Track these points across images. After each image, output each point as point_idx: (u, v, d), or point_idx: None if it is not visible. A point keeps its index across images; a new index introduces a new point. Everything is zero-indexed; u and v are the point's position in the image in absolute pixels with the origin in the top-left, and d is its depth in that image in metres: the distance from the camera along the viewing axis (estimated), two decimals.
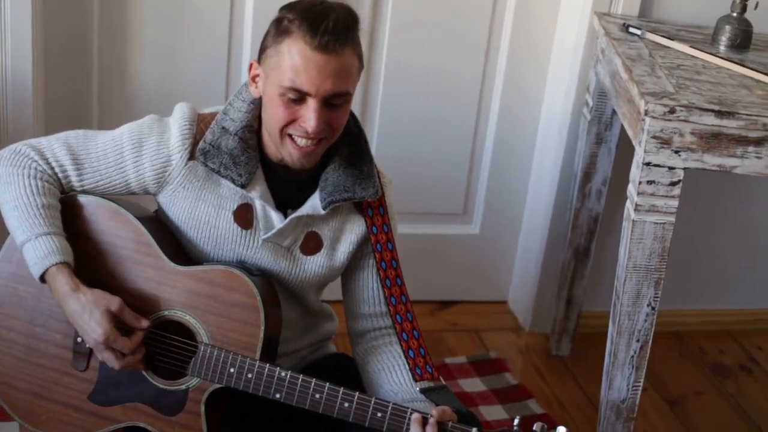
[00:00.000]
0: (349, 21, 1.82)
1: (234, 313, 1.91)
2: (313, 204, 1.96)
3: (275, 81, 1.83)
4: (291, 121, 1.85)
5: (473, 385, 2.88)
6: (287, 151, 1.89)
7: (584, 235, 2.95)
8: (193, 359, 1.93)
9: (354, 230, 2.03)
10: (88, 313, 1.85)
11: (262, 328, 1.90)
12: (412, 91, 3.01)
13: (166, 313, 1.95)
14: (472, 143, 3.13)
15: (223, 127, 1.93)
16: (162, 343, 1.96)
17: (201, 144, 1.93)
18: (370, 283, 2.06)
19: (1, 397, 2.01)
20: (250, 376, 1.89)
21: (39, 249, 1.88)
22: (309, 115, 1.82)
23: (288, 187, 1.97)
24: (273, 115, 1.87)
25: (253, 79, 1.90)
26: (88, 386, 1.97)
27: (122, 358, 1.88)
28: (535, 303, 3.18)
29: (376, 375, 2.04)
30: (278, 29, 1.82)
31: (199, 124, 1.95)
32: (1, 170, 1.95)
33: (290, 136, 1.87)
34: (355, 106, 2.91)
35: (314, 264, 2.02)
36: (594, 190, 2.90)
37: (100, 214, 1.98)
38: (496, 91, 3.07)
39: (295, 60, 1.80)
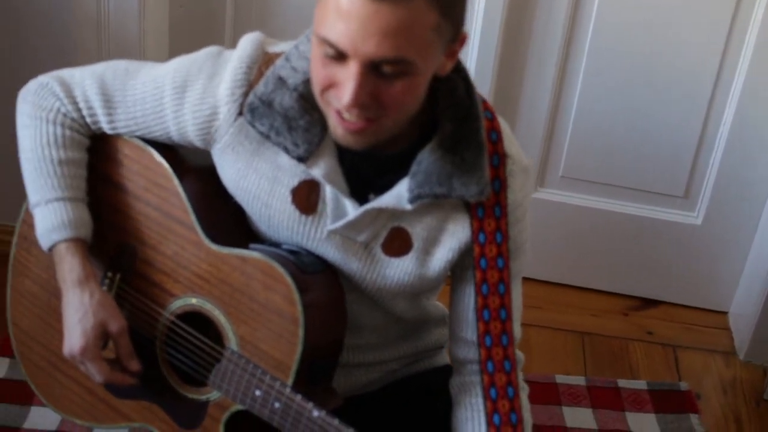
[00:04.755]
0: None
1: (270, 319, 1.57)
2: (399, 194, 1.55)
3: (315, 26, 1.41)
4: (329, 86, 1.43)
5: (643, 423, 2.44)
6: (331, 123, 1.47)
7: None
8: (215, 368, 1.61)
9: (457, 233, 1.60)
10: (81, 314, 1.61)
11: (299, 348, 1.55)
12: (628, 40, 2.57)
13: (193, 301, 1.65)
14: (706, 109, 2.65)
15: (279, 78, 1.53)
16: (185, 339, 1.67)
17: (250, 97, 1.54)
18: (467, 302, 1.65)
19: (22, 359, 1.84)
20: (276, 405, 1.56)
21: (48, 218, 1.65)
22: (347, 83, 1.39)
23: (369, 164, 1.55)
24: (312, 72, 1.46)
25: None
26: None
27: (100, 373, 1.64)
28: (758, 325, 2.69)
29: (459, 425, 1.68)
30: None
31: (261, 67, 1.56)
32: (22, 108, 1.70)
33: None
34: (551, 56, 2.54)
35: (398, 269, 1.61)
36: None
37: (139, 163, 1.69)
38: (747, 46, 2.55)
39: (337, 1, 1.36)
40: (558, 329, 2.72)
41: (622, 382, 2.56)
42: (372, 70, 1.38)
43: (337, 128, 1.46)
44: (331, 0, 1.37)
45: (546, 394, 2.48)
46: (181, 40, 2.49)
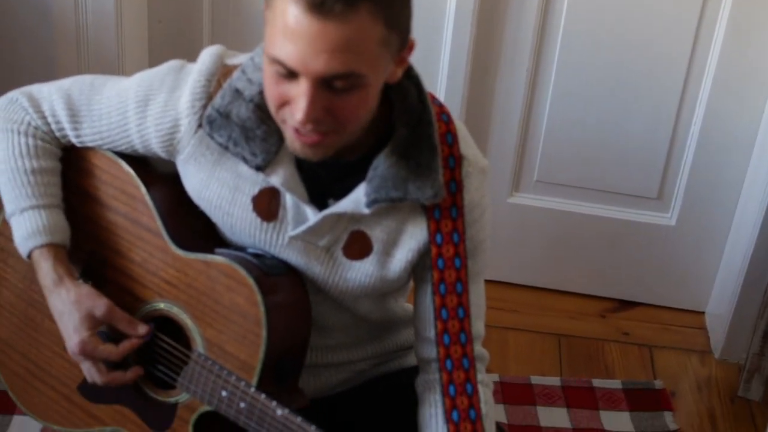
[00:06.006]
0: None
1: (233, 320, 1.61)
2: (357, 198, 1.58)
3: (266, 46, 1.45)
4: (283, 103, 1.46)
5: (617, 421, 2.46)
6: (288, 137, 1.51)
7: None
8: (183, 370, 1.65)
9: (415, 235, 1.63)
10: (67, 315, 1.66)
11: (263, 348, 1.59)
12: (600, 44, 2.60)
13: (161, 305, 1.68)
14: (676, 111, 2.66)
15: (236, 90, 1.57)
16: (154, 343, 1.71)
17: (208, 110, 1.58)
18: (427, 302, 1.68)
19: (1, 368, 1.87)
20: (242, 405, 1.60)
21: (23, 226, 1.68)
22: (299, 100, 1.42)
23: (328, 171, 1.59)
24: (265, 91, 1.50)
25: None
26: (78, 374, 1.76)
27: (106, 373, 1.68)
28: (732, 324, 2.71)
29: (422, 422, 1.71)
30: None
31: (220, 79, 1.60)
32: None
33: None
34: (522, 62, 2.58)
35: (359, 272, 1.65)
36: None
37: (108, 172, 1.73)
38: (714, 47, 2.57)
39: (284, 22, 1.39)
40: (535, 332, 2.75)
41: (597, 382, 2.58)
42: (323, 85, 1.41)
43: (294, 143, 1.49)
44: (278, 21, 1.39)
45: (521, 395, 2.51)
46: (160, 54, 2.53)
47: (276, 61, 1.41)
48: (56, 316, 1.67)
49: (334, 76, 1.40)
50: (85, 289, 1.66)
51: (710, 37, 2.54)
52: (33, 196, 1.68)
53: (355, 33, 1.38)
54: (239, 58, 1.63)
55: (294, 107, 1.43)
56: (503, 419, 2.42)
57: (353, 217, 1.62)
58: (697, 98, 2.63)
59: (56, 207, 1.70)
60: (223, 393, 1.61)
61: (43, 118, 1.70)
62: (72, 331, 1.65)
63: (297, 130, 1.47)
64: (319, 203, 1.61)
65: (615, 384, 2.59)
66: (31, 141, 1.70)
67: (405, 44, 1.48)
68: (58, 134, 1.71)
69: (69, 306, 1.65)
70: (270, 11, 1.42)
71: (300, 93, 1.42)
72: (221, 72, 1.61)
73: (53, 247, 1.68)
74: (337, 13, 1.35)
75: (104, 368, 1.67)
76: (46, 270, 1.67)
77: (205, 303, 1.63)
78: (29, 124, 1.70)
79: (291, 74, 1.42)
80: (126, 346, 1.66)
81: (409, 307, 1.88)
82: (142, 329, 1.67)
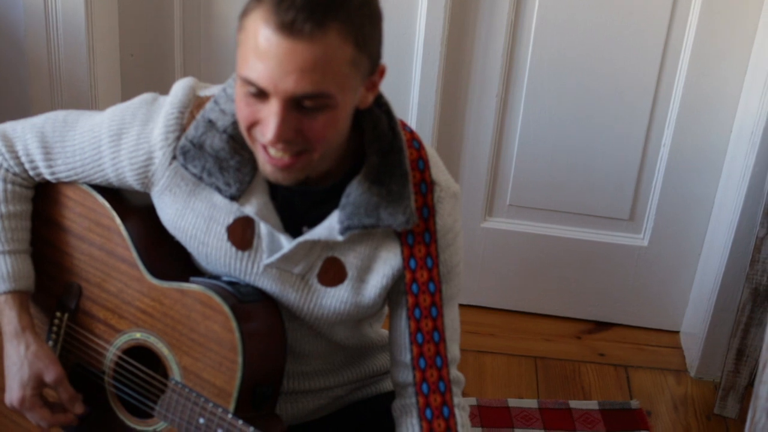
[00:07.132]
0: None
1: (210, 348, 1.63)
2: (330, 226, 1.60)
3: (237, 67, 1.47)
4: (254, 123, 1.48)
5: None
6: (260, 161, 1.52)
7: (767, 272, 2.42)
8: (160, 399, 1.66)
9: (389, 260, 1.65)
10: (17, 367, 1.68)
11: (239, 374, 1.60)
12: (568, 68, 2.62)
13: (138, 335, 1.69)
14: (645, 133, 2.69)
15: (209, 121, 1.59)
16: (131, 373, 1.72)
17: (182, 141, 1.60)
18: (402, 327, 1.69)
19: None
20: (219, 431, 1.60)
21: None
22: (269, 120, 1.44)
23: (301, 199, 1.61)
24: (237, 111, 1.51)
25: None
26: None
27: (48, 419, 1.72)
28: (707, 343, 2.73)
29: None
30: None
31: (193, 111, 1.62)
32: None
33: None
34: (491, 88, 2.59)
35: (334, 298, 1.67)
36: None
37: (83, 204, 1.74)
38: (681, 67, 2.60)
39: (255, 42, 1.41)
40: (512, 355, 2.76)
41: (574, 403, 2.59)
42: (293, 105, 1.43)
43: (265, 166, 1.51)
44: (249, 41, 1.42)
45: (499, 417, 2.52)
46: (133, 87, 2.54)
47: (247, 82, 1.43)
48: (7, 363, 1.69)
49: (303, 96, 1.42)
50: (44, 351, 1.69)
51: (677, 59, 2.57)
52: (1, 241, 1.70)
53: (325, 53, 1.40)
54: (211, 90, 1.65)
55: (264, 127, 1.45)
56: None
57: (327, 244, 1.63)
58: (666, 119, 2.65)
59: (23, 252, 1.72)
60: (201, 420, 1.61)
61: (17, 158, 1.71)
62: (17, 385, 1.67)
63: (268, 153, 1.48)
64: (293, 231, 1.63)
65: (592, 405, 2.60)
66: (1, 185, 1.71)
67: (375, 68, 1.50)
68: (32, 173, 1.72)
69: (23, 360, 1.67)
70: (243, 33, 1.44)
71: (270, 113, 1.43)
72: (194, 104, 1.62)
73: (18, 294, 1.70)
74: (306, 33, 1.38)
75: (47, 415, 1.70)
76: (9, 317, 1.69)
77: (181, 331, 1.64)
78: (0, 166, 1.71)
79: (261, 94, 1.43)
80: (60, 418, 1.70)
81: (385, 332, 1.89)
82: (79, 408, 1.70)
